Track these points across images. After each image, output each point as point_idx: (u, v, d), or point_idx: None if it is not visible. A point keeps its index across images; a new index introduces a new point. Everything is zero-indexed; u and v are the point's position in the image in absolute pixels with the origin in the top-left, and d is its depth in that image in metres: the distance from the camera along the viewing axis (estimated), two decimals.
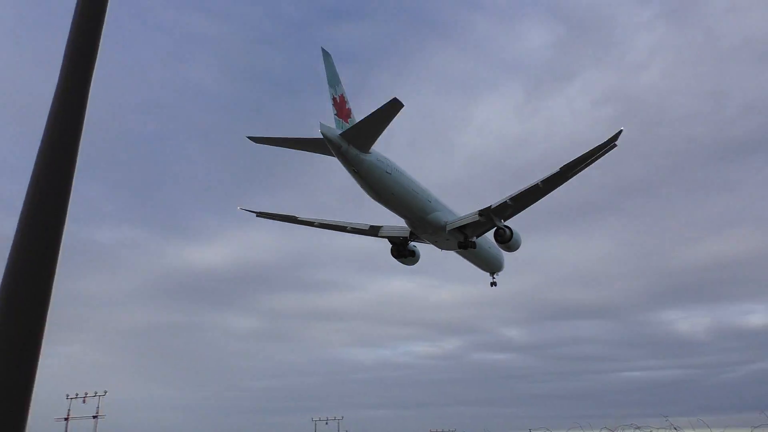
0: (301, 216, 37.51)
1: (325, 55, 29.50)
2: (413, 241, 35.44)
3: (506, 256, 37.99)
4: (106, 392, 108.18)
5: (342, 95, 28.96)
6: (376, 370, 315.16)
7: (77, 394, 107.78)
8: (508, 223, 33.07)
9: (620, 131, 30.27)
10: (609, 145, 30.36)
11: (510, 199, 31.13)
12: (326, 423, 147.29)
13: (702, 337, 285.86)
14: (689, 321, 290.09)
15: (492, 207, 31.75)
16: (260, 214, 37.68)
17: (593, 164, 31.57)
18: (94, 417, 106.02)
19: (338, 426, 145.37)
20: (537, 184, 31.21)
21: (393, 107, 25.50)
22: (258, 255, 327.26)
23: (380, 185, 29.01)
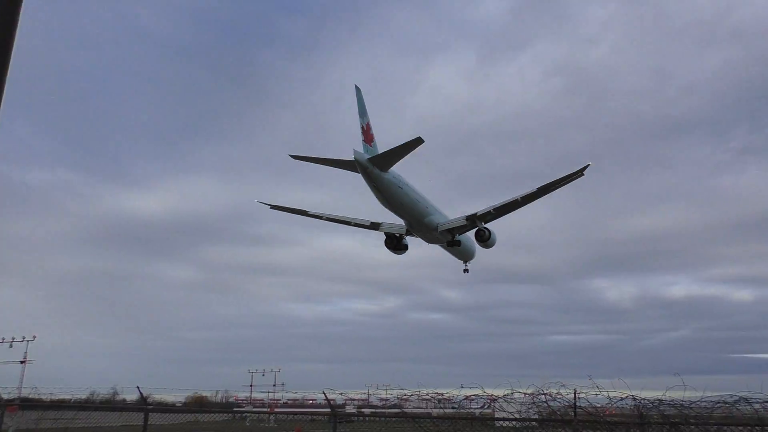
0: (311, 210, 42.98)
1: (358, 90, 35.10)
2: (407, 236, 40.99)
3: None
4: (35, 337, 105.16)
5: (368, 123, 34.90)
6: (315, 326, 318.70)
7: (3, 339, 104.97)
8: (487, 225, 39.42)
9: (588, 165, 35.58)
10: (578, 174, 36.06)
11: (493, 209, 37.82)
12: (263, 375, 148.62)
13: (628, 305, 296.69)
14: (617, 290, 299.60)
15: (477, 214, 38.01)
16: (274, 207, 43.13)
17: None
18: (22, 362, 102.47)
19: (275, 377, 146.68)
20: (517, 199, 37.20)
21: (415, 142, 31.30)
22: (199, 205, 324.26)
23: (393, 198, 35.61)
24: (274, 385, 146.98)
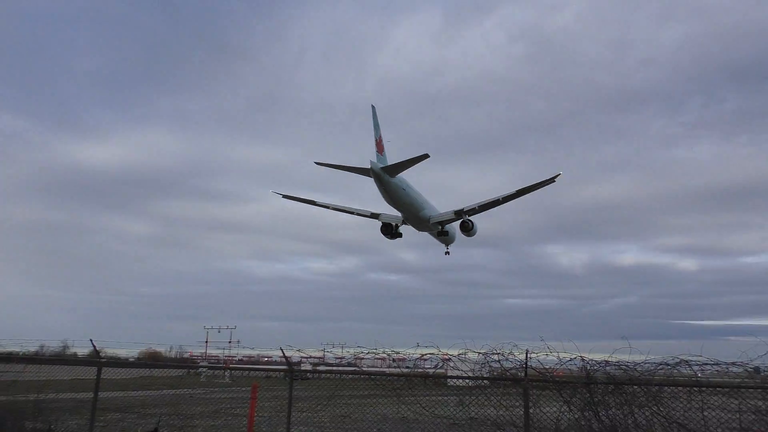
0: (319, 200, 48.49)
1: (373, 109, 43.17)
2: (403, 225, 47.30)
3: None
4: None
5: (380, 136, 42.46)
6: (272, 284, 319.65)
7: None
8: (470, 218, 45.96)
9: (559, 174, 40.25)
10: (549, 181, 40.90)
11: (478, 206, 43.94)
12: (218, 331, 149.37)
13: (579, 271, 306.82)
14: (569, 256, 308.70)
15: (464, 209, 44.57)
16: (285, 196, 47.81)
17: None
18: None
19: (230, 334, 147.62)
20: (498, 198, 43.21)
21: (423, 157, 37.36)
22: (155, 158, 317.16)
23: (398, 197, 42.00)
24: (230, 342, 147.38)
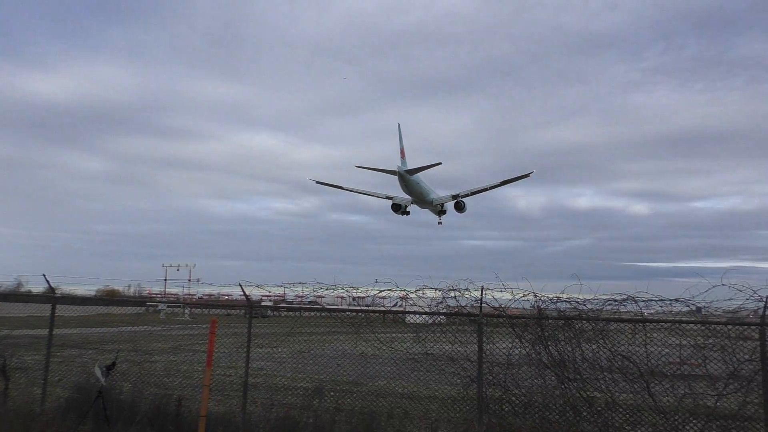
0: (346, 186, 59.85)
1: (399, 127, 54.87)
2: (412, 204, 58.85)
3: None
4: None
5: (403, 147, 54.09)
6: (232, 223, 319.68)
7: None
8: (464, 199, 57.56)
9: (532, 171, 53.46)
10: (525, 176, 53.13)
11: (471, 192, 56.83)
12: (177, 270, 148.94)
13: (536, 214, 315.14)
14: (527, 199, 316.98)
15: (460, 194, 57.12)
16: (319, 182, 59.94)
17: None
18: None
19: (190, 273, 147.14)
20: (486, 187, 55.28)
21: (436, 164, 51.21)
22: (107, 92, 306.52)
23: (413, 189, 54.45)
24: (189, 280, 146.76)
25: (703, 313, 11.16)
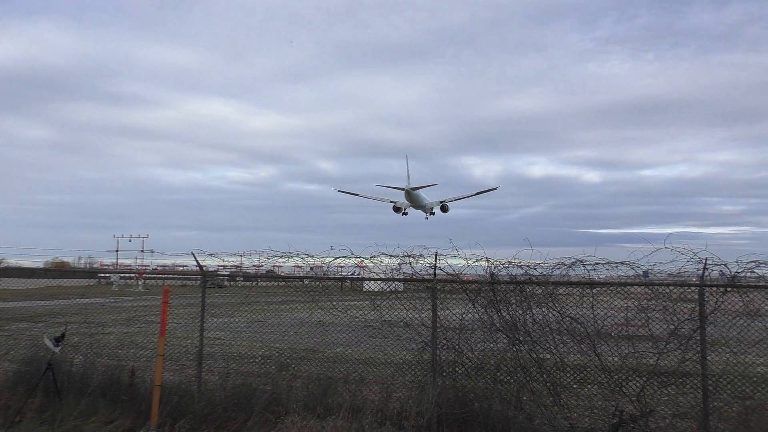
0: (361, 193, 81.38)
1: (407, 158, 77.51)
2: (408, 208, 77.21)
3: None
4: None
5: (408, 172, 74.33)
6: (186, 193, 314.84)
7: None
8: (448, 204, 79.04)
9: (498, 186, 77.47)
10: (492, 189, 77.68)
11: (454, 199, 76.75)
12: (130, 241, 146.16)
13: (492, 182, 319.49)
14: (483, 167, 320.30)
15: (446, 201, 77.04)
16: (341, 191, 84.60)
17: None
18: None
19: (143, 244, 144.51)
20: (465, 196, 76.48)
21: (432, 184, 77.00)
22: (51, 56, 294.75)
23: (414, 200, 72.97)
24: (142, 251, 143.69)
25: (649, 277, 11.65)
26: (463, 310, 11.94)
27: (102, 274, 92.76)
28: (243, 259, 15.05)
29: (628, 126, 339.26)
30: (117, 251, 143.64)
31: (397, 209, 77.69)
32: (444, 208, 77.46)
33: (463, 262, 11.94)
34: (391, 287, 13.48)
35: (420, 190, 74.09)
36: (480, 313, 11.65)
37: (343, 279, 16.77)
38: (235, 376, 13.68)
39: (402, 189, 73.96)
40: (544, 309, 11.24)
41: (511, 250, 11.83)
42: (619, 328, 11.45)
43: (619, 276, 11.35)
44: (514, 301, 11.39)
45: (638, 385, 10.75)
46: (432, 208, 77.43)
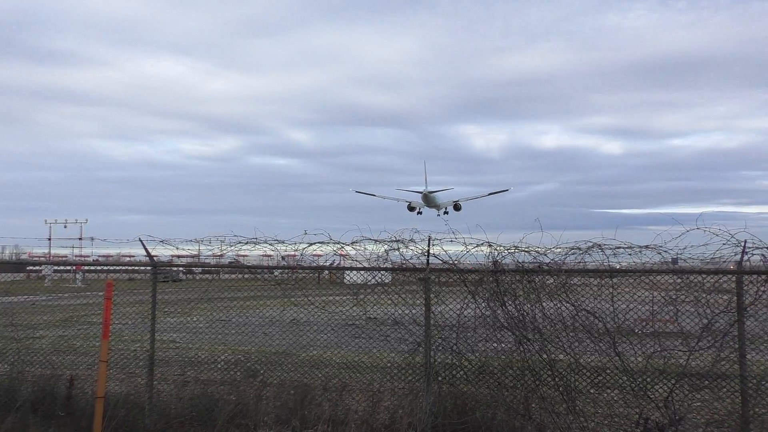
0: (378, 194, 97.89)
1: (425, 163, 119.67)
2: (423, 208, 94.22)
3: None
4: None
5: (426, 175, 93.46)
6: (132, 169, 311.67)
7: None
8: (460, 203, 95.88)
9: (510, 189, 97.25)
10: (502, 191, 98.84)
11: (467, 199, 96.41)
12: (65, 227, 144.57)
13: (495, 155, 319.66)
14: (485, 137, 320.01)
15: (459, 201, 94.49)
16: (358, 192, 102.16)
17: None
18: None
19: (81, 230, 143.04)
20: (477, 197, 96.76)
21: (449, 189, 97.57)
22: None
23: (431, 202, 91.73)
24: (80, 239, 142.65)
25: (678, 263, 11.86)
26: (462, 305, 12.12)
27: (31, 267, 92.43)
28: (202, 247, 15.12)
29: (655, 88, 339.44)
30: (49, 239, 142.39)
31: (411, 209, 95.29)
32: (457, 207, 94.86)
33: (462, 248, 12.09)
34: (376, 278, 13.63)
35: (437, 193, 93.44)
36: (481, 308, 11.85)
37: (320, 269, 16.91)
38: (193, 384, 13.83)
39: (420, 192, 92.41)
40: (556, 302, 11.46)
41: (518, 233, 12.00)
42: (644, 324, 11.71)
43: (644, 263, 11.57)
44: (521, 293, 11.59)
45: (666, 388, 11.02)
46: (446, 208, 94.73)
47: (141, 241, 13.67)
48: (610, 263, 11.42)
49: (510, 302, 11.60)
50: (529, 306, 11.54)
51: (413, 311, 12.51)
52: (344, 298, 14.12)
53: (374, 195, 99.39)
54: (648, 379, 11.10)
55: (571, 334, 11.38)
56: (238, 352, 20.42)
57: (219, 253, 15.45)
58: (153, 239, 13.79)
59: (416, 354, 12.26)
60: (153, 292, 14.06)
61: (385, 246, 12.81)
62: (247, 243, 13.44)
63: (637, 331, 11.66)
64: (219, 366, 18.09)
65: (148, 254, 13.98)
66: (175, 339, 23.97)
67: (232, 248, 14.33)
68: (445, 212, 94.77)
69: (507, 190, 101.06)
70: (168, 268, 19.12)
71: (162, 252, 14.61)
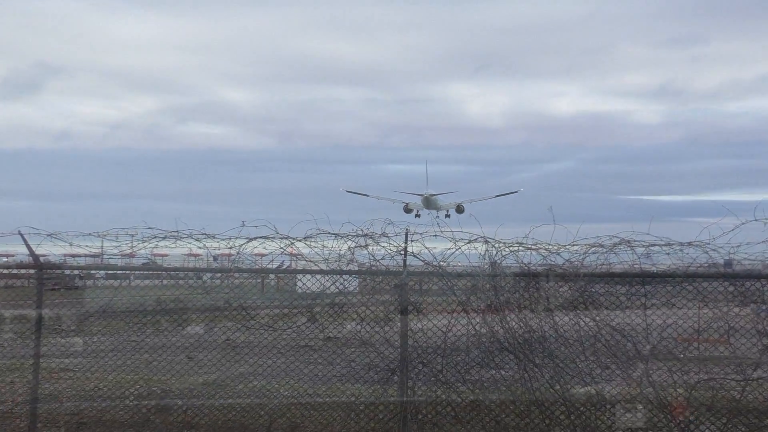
0: (371, 194, 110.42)
1: (426, 163, 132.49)
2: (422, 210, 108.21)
3: None
4: None
5: (427, 180, 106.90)
6: (9, 139, 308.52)
7: None
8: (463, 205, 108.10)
9: (520, 189, 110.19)
10: (512, 192, 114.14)
11: (469, 201, 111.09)
12: None
13: (496, 123, 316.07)
14: (483, 100, 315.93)
15: (462, 203, 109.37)
16: (349, 191, 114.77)
17: None
18: None
19: None
20: (482, 199, 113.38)
21: (452, 192, 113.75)
22: None
23: (432, 204, 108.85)
24: None
25: (732, 266, 12.13)
26: (450, 320, 12.29)
27: None
28: (105, 243, 15.09)
29: (704, 31, 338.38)
30: None
31: (408, 210, 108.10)
32: (459, 209, 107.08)
33: (450, 245, 12.24)
34: (338, 285, 13.74)
35: (439, 196, 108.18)
36: (475, 324, 12.01)
37: (264, 272, 17.04)
38: (93, 425, 13.88)
39: (420, 195, 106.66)
40: (572, 316, 11.66)
41: (523, 226, 12.18)
42: (686, 345, 11.98)
43: (687, 265, 11.76)
44: (527, 304, 11.78)
45: (714, 428, 11.30)
46: (447, 210, 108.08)
47: (21, 234, 13.69)
48: (643, 265, 11.64)
49: (512, 316, 11.77)
50: (537, 321, 11.72)
51: (386, 329, 12.66)
52: (296, 311, 14.27)
53: (367, 195, 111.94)
54: (691, 417, 11.36)
55: (591, 358, 11.60)
56: (154, 383, 20.45)
57: (129, 252, 15.43)
58: (38, 232, 13.78)
59: (389, 385, 12.41)
60: (38, 304, 14.05)
61: (350, 242, 12.91)
62: (165, 238, 13.53)
63: (677, 354, 11.95)
64: (127, 402, 18.15)
65: (32, 253, 13.99)
66: (69, 366, 23.94)
67: (147, 245, 14.36)
68: (447, 215, 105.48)
69: (517, 192, 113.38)
70: (59, 271, 19.09)
71: (51, 250, 14.59)
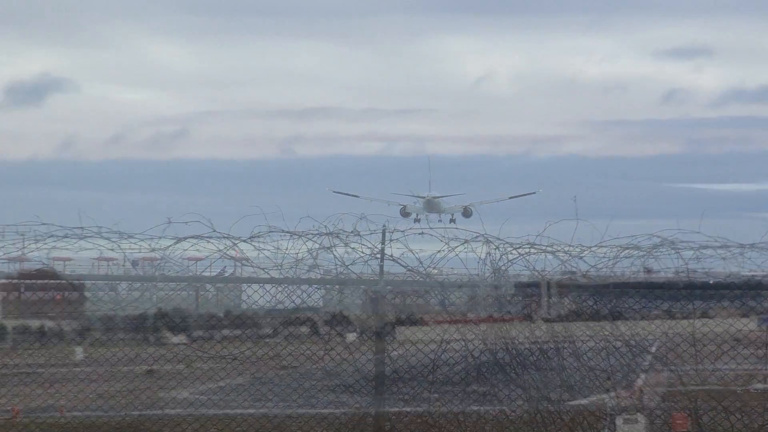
0: (362, 195, 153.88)
1: (428, 159, 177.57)
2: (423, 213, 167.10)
3: None
4: None
5: (430, 180, 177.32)
6: None
7: None
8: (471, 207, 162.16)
9: (537, 191, 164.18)
10: (530, 193, 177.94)
11: (479, 204, 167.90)
12: None
13: (503, 87, 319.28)
14: (489, 58, 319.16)
15: (467, 205, 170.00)
16: (336, 192, 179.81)
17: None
18: None
19: None
20: (491, 202, 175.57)
21: (458, 195, 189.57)
22: None
23: (434, 207, 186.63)
24: None
25: None
26: (441, 343, 12.08)
27: None
28: None
29: None
30: None
31: (406, 214, 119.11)
32: (467, 212, 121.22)
33: (442, 246, 12.04)
34: (295, 298, 13.48)
35: (443, 198, 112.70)
36: (473, 348, 11.82)
37: (198, 281, 16.75)
38: None
39: (422, 197, 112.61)
40: (599, 339, 11.47)
41: (536, 223, 11.98)
42: (747, 380, 11.81)
43: (750, 272, 11.56)
44: (540, 323, 11.59)
45: None
46: (452, 214, 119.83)
47: None
48: (691, 273, 11.42)
49: (521, 338, 11.60)
50: (553, 345, 11.54)
51: (357, 355, 12.48)
52: (242, 332, 14.09)
53: (357, 196, 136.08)
54: None
55: (620, 389, 11.43)
56: (56, 424, 20.21)
57: (18, 255, 15.31)
58: None
59: (364, 426, 12.23)
60: None
61: (310, 243, 12.63)
62: (66, 237, 13.16)
63: (734, 387, 11.79)
64: None
65: None
66: None
67: (41, 245, 14.08)
68: (452, 219, 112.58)
69: (534, 193, 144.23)
70: None
71: None
